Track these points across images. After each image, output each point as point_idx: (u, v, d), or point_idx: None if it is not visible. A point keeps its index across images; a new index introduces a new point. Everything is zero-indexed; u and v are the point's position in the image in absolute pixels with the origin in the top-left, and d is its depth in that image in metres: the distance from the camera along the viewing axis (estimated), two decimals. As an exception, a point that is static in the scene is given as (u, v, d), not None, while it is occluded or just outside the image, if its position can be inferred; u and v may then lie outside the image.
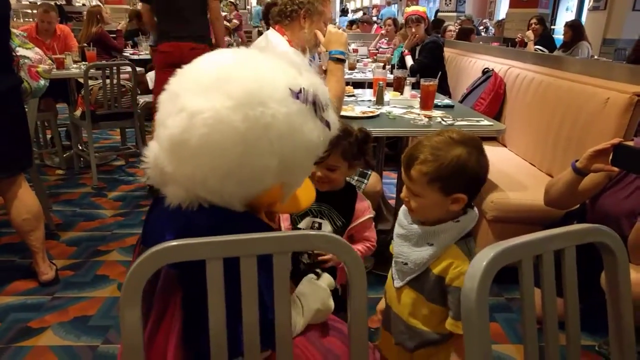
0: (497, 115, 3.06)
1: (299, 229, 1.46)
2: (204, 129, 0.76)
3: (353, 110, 2.29)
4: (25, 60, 2.08)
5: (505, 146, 3.00)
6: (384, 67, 3.70)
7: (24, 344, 1.79)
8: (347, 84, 3.13)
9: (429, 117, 2.20)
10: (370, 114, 2.24)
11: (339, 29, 2.08)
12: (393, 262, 1.20)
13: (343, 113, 2.20)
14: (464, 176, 1.02)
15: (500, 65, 3.22)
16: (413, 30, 3.77)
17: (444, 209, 1.05)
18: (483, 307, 0.66)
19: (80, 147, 3.84)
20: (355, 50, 5.53)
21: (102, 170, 3.71)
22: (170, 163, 0.81)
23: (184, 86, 0.80)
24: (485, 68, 3.24)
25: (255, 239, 0.70)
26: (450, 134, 1.04)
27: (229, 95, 0.77)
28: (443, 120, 2.16)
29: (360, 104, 2.56)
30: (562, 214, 1.92)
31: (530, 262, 0.73)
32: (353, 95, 2.84)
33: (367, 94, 2.84)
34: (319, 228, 1.45)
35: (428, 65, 3.73)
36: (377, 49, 5.54)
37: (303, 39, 2.10)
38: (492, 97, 3.01)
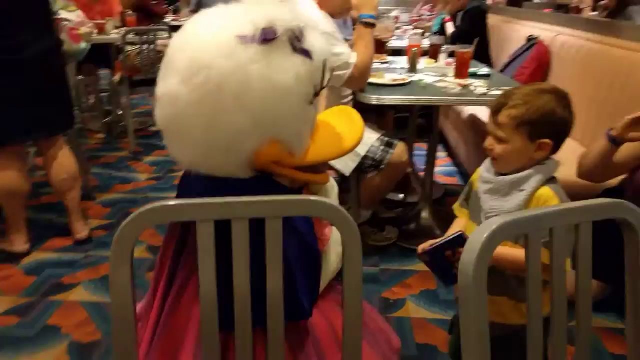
0: (541, 86, 2.89)
1: None
2: (168, 110, 0.77)
3: (383, 77, 2.21)
4: (66, 23, 2.13)
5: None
6: (422, 35, 3.57)
7: (56, 298, 1.89)
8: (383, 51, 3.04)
9: (463, 86, 2.09)
10: (401, 82, 2.16)
11: None
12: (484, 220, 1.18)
13: (372, 80, 2.13)
14: (552, 121, 1.05)
15: (547, 32, 3.02)
16: (454, -6, 3.59)
17: (527, 155, 1.07)
18: (481, 282, 0.62)
19: (120, 112, 3.94)
20: (397, 18, 5.35)
21: (140, 135, 3.80)
22: (169, 146, 0.83)
23: (160, 74, 0.81)
24: (530, 36, 3.05)
25: (247, 202, 0.68)
26: (541, 85, 1.10)
27: (176, 71, 0.76)
28: (477, 89, 2.06)
29: (393, 71, 2.47)
30: (599, 191, 1.81)
31: (537, 237, 0.68)
32: (387, 62, 2.75)
33: (402, 61, 2.73)
34: None
35: (469, 32, 3.54)
36: (419, 16, 5.34)
37: (333, 3, 2.03)
38: (536, 66, 2.85)
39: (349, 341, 0.72)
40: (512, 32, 3.62)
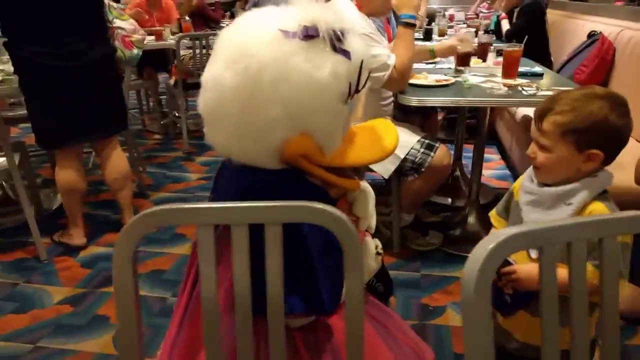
0: (602, 85, 2.70)
1: None
2: (210, 94, 0.81)
3: (426, 78, 2.16)
4: (120, 31, 2.25)
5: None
6: (476, 34, 3.45)
7: (107, 289, 2.00)
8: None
9: (510, 87, 2.00)
10: (445, 82, 2.10)
11: None
12: None
13: (415, 81, 2.09)
14: (603, 131, 0.95)
15: (611, 27, 2.82)
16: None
17: (574, 166, 0.98)
18: (484, 296, 0.59)
19: (176, 114, 4.11)
20: (452, 17, 5.21)
21: (193, 136, 3.94)
22: (207, 132, 0.87)
23: (209, 61, 0.85)
24: (592, 31, 2.86)
25: (246, 207, 0.69)
26: (592, 89, 0.99)
27: (222, 58, 0.80)
28: (524, 89, 1.96)
29: (439, 71, 2.41)
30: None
31: (552, 250, 0.63)
32: (434, 62, 2.69)
33: (450, 61, 2.66)
34: None
35: (525, 29, 3.38)
36: (476, 14, 5.16)
37: (372, 3, 2.01)
38: (597, 64, 2.66)
39: (351, 354, 0.70)
40: (573, 28, 3.42)
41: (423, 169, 1.96)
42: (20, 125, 3.93)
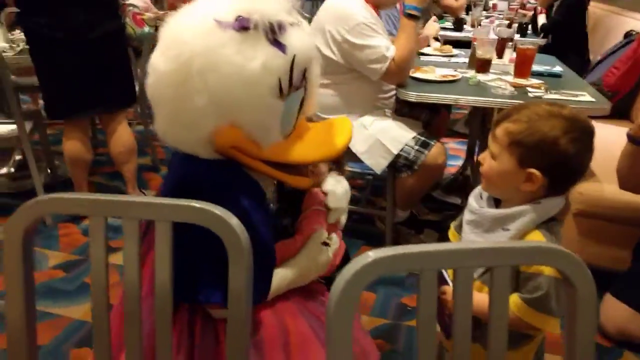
0: (635, 89, 2.52)
1: None
2: (150, 79, 0.83)
3: (433, 72, 2.07)
4: (132, 8, 2.29)
5: None
6: (509, 26, 3.28)
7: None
8: (447, 42, 2.85)
9: (517, 87, 1.90)
10: (451, 78, 2.01)
11: None
12: None
13: (418, 75, 2.02)
14: (549, 154, 0.89)
15: (653, 27, 2.62)
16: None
17: (513, 183, 0.93)
18: (345, 321, 0.57)
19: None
20: (495, 7, 4.96)
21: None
22: (154, 120, 0.89)
23: None
24: (630, 31, 2.66)
25: (136, 203, 0.69)
26: (562, 108, 0.93)
27: (160, 44, 0.82)
28: (531, 90, 1.85)
29: (452, 65, 2.31)
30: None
31: (430, 276, 0.60)
32: (452, 56, 2.58)
33: (466, 55, 2.54)
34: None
35: (563, 24, 3.20)
36: (522, 5, 4.89)
37: (379, -9, 1.94)
38: (629, 67, 2.47)
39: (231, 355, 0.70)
40: (614, 25, 3.19)
41: (416, 167, 1.90)
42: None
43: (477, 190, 1.02)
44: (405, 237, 2.22)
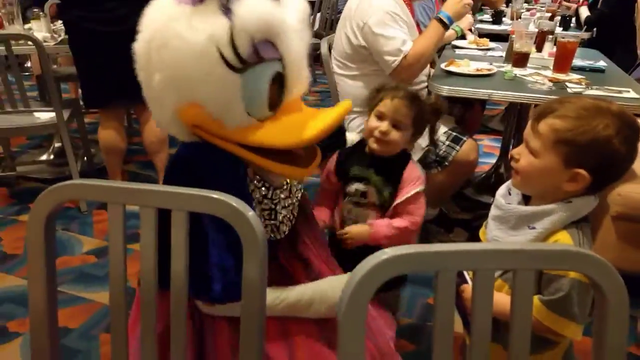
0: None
1: (346, 194, 1.34)
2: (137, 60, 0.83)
3: (468, 65, 2.01)
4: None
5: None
6: (551, 19, 3.16)
7: (131, 246, 2.12)
8: (484, 35, 2.77)
9: (555, 81, 1.82)
10: (486, 72, 1.94)
11: None
12: None
13: (452, 69, 1.96)
14: (600, 152, 0.83)
15: None
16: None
17: (555, 182, 0.87)
18: (357, 321, 0.55)
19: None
20: (537, -1, 4.79)
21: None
22: None
23: None
24: (682, 24, 2.50)
25: (154, 192, 0.69)
26: (609, 103, 0.87)
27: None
28: (570, 86, 1.77)
29: (488, 59, 2.24)
30: None
31: (448, 276, 0.57)
32: (489, 49, 2.50)
33: (504, 49, 2.46)
34: (363, 196, 1.30)
35: (610, 17, 3.05)
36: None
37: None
38: (680, 62, 2.34)
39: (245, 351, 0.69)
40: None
41: (447, 163, 1.85)
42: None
43: (506, 185, 0.98)
44: (434, 235, 2.17)
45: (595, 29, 3.12)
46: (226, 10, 0.74)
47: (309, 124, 0.80)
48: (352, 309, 0.55)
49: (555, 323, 0.84)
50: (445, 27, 1.80)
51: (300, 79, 0.85)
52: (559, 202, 0.87)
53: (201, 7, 0.75)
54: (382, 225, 1.26)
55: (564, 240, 0.86)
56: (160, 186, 0.70)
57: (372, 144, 1.28)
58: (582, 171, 0.84)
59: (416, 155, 1.88)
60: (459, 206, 2.42)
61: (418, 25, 2.04)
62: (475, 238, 2.09)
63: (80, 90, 2.26)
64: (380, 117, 1.26)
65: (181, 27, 0.74)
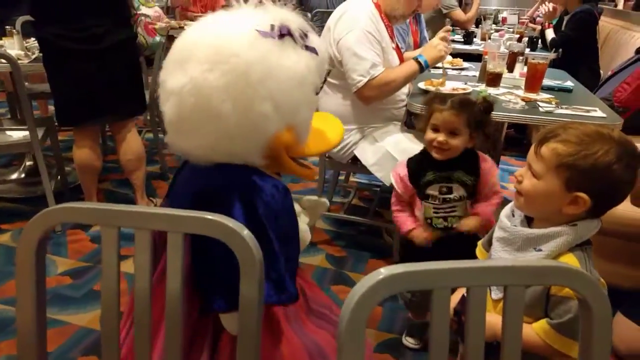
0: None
1: (428, 195, 1.48)
2: (191, 99, 0.80)
3: (444, 84, 2.07)
4: (143, 18, 2.32)
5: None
6: (519, 40, 3.28)
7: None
8: (456, 55, 2.86)
9: (528, 101, 1.89)
10: (461, 92, 2.01)
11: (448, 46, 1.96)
12: None
13: (428, 88, 2.02)
14: (601, 178, 0.86)
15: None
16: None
17: (556, 205, 0.90)
18: (357, 341, 0.56)
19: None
20: (504, 20, 4.98)
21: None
22: (180, 140, 0.86)
23: (165, 71, 0.85)
24: (641, 47, 2.65)
25: (149, 214, 0.69)
26: (610, 130, 0.89)
27: (200, 61, 0.80)
28: (542, 105, 1.84)
29: (462, 78, 2.31)
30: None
31: (444, 294, 0.59)
32: (463, 69, 2.58)
33: (477, 69, 2.54)
34: (449, 192, 1.46)
35: (574, 39, 3.20)
36: (532, 19, 4.91)
37: (391, 4, 1.96)
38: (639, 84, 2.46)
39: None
40: (627, 42, 3.18)
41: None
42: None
43: (509, 207, 1.00)
44: (413, 250, 2.20)
45: (560, 50, 3.27)
46: (306, 46, 0.86)
47: (328, 132, 1.00)
48: (352, 329, 0.56)
49: (565, 345, 0.86)
50: (421, 69, 1.88)
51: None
52: (565, 225, 0.90)
53: (284, 42, 0.83)
54: (486, 210, 1.45)
55: (570, 262, 0.88)
56: (155, 208, 0.70)
57: (435, 154, 1.43)
58: (582, 195, 0.87)
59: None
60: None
61: (398, 48, 2.10)
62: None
63: (53, 108, 2.22)
64: (436, 129, 1.40)
65: (281, 60, 0.82)
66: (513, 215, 1.00)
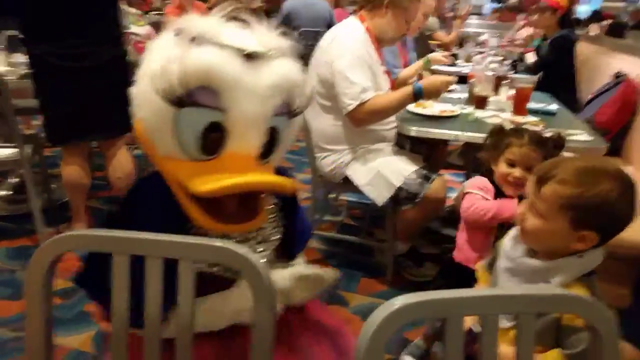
0: (625, 128, 2.60)
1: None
2: None
3: (432, 107, 2.12)
4: (133, 37, 2.32)
5: (631, 165, 2.55)
6: (502, 63, 3.37)
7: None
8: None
9: (515, 124, 1.94)
10: (450, 114, 2.06)
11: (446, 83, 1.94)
12: None
13: (418, 110, 2.06)
14: (606, 215, 0.88)
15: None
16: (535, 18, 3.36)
17: (563, 242, 0.91)
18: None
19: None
20: (485, 42, 5.10)
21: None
22: None
23: None
24: (619, 72, 2.76)
25: (160, 241, 0.69)
26: (604, 165, 0.91)
27: None
28: (530, 128, 1.90)
29: (449, 100, 2.37)
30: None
31: (457, 322, 0.61)
32: (449, 90, 2.64)
33: (464, 90, 2.61)
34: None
35: (552, 63, 3.31)
36: (511, 41, 5.05)
37: (381, 28, 2.01)
38: (620, 106, 2.56)
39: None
40: (603, 65, 3.29)
41: (418, 200, 1.92)
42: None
43: (512, 234, 1.01)
44: (406, 269, 2.22)
45: (541, 73, 3.37)
46: (191, 45, 0.77)
47: (221, 179, 0.77)
48: (369, 358, 0.57)
49: None
50: (415, 99, 1.90)
51: (245, 138, 0.82)
52: (571, 256, 0.91)
53: (179, 38, 0.79)
54: None
55: (580, 293, 0.87)
56: (166, 235, 0.70)
57: (508, 189, 1.38)
58: (590, 232, 0.89)
59: (389, 192, 1.95)
60: (427, 239, 2.49)
61: (388, 73, 2.14)
62: (445, 271, 2.15)
63: (37, 124, 2.20)
64: (512, 164, 1.36)
65: (159, 51, 0.82)
66: (515, 244, 1.00)
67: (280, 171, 0.94)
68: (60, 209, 2.60)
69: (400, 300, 0.59)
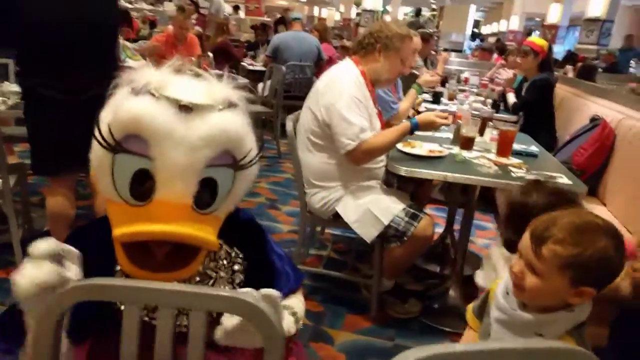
0: (601, 169, 2.71)
1: None
2: None
3: (421, 147, 2.18)
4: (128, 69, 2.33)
5: (605, 205, 2.64)
6: (484, 103, 3.49)
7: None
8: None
9: (500, 165, 2.01)
10: (438, 154, 2.11)
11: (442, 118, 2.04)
12: None
13: (407, 150, 2.11)
14: (604, 270, 0.91)
15: (614, 113, 2.85)
16: (518, 60, 3.51)
17: (561, 298, 0.93)
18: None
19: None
20: (466, 80, 5.29)
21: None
22: None
23: None
24: (595, 115, 2.89)
25: (172, 291, 0.70)
26: (594, 218, 0.93)
27: None
28: (513, 170, 1.97)
29: (437, 139, 2.43)
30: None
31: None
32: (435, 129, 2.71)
33: (450, 130, 2.69)
34: None
35: (533, 104, 3.44)
36: (491, 79, 5.24)
37: (376, 71, 2.08)
38: (597, 148, 2.67)
39: None
40: (580, 107, 3.45)
41: (406, 238, 1.95)
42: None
43: (504, 285, 1.02)
44: (390, 306, 2.23)
45: (521, 114, 3.50)
46: (132, 94, 0.82)
47: (138, 226, 0.78)
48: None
49: None
50: (410, 130, 1.98)
51: (173, 186, 0.81)
52: (563, 310, 0.94)
53: (126, 89, 0.84)
54: None
55: (571, 345, 0.90)
56: (179, 285, 0.71)
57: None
58: (588, 288, 0.92)
59: (377, 230, 1.98)
60: (411, 275, 2.52)
61: (380, 114, 2.21)
62: (428, 308, 2.15)
63: (20, 152, 2.17)
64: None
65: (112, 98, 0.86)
66: (508, 294, 1.02)
67: (243, 217, 1.00)
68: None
69: (413, 354, 0.60)
